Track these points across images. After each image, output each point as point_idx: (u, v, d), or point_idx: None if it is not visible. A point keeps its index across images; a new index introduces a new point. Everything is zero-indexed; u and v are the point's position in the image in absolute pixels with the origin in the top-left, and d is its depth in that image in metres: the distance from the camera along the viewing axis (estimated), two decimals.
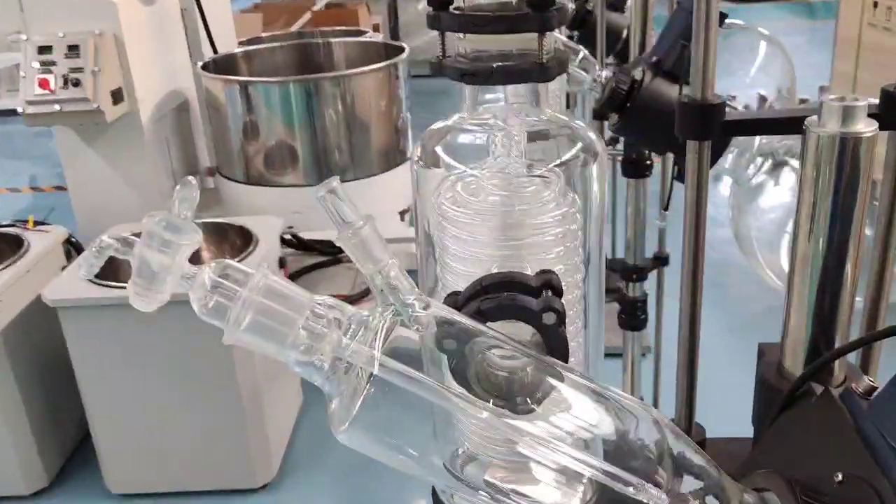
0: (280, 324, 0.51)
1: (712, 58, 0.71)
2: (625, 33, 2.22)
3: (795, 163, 1.98)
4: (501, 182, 0.74)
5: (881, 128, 0.70)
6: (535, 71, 0.67)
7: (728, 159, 1.96)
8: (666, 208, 1.80)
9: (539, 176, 0.75)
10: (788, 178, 1.94)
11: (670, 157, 1.61)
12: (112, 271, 2.38)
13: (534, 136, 0.74)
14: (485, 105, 0.75)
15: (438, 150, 0.75)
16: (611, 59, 2.27)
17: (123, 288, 0.52)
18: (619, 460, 0.53)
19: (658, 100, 1.24)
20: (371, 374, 0.53)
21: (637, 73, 1.30)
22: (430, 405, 0.55)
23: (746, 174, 1.96)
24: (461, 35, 0.70)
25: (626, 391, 2.06)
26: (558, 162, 0.73)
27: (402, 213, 2.94)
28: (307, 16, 5.53)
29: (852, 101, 0.65)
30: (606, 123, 1.88)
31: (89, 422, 2.31)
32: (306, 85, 2.72)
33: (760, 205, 2.12)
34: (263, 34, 4.45)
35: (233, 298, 0.50)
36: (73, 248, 2.60)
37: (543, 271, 0.66)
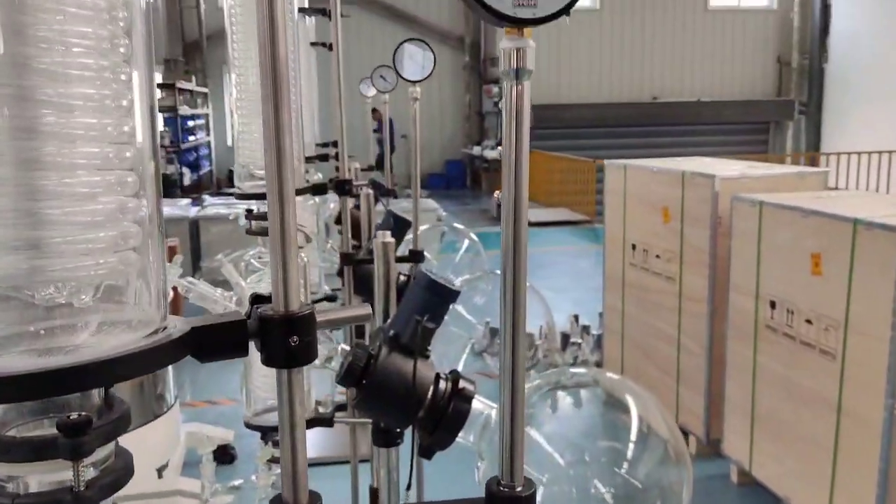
0: None
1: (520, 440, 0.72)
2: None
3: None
4: None
5: None
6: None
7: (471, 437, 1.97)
8: (408, 488, 1.76)
9: None
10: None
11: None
12: None
13: None
14: None
15: None
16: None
17: None
18: None
19: (393, 376, 1.22)
20: None
21: (374, 348, 1.29)
22: None
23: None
24: None
25: None
26: None
27: (159, 471, 2.72)
28: None
29: None
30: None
31: None
32: None
33: None
34: None
35: None
36: None
37: None
